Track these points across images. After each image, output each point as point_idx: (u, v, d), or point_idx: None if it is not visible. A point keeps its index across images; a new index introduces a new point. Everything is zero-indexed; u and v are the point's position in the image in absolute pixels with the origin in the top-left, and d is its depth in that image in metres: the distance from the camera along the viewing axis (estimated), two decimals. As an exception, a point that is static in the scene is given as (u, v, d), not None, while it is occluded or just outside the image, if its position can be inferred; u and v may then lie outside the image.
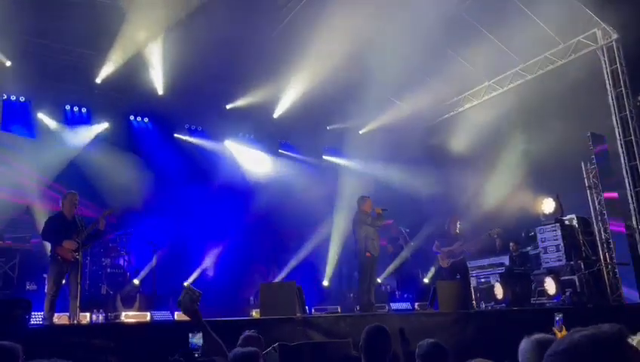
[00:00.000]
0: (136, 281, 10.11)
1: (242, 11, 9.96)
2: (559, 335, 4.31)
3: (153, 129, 12.39)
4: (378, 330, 3.55)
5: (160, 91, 11.48)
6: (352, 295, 11.55)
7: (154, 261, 10.12)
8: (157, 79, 11.32)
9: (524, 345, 2.56)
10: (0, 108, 10.41)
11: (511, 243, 11.02)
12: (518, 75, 12.38)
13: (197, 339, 3.53)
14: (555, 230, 9.85)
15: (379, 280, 11.16)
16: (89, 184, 10.16)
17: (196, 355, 3.52)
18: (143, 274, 10.37)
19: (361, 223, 8.61)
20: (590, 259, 9.69)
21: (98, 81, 10.89)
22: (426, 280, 11.87)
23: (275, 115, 13.11)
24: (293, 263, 12.42)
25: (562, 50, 11.47)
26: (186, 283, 10.01)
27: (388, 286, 12.41)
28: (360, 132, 14.33)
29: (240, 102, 12.56)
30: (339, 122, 13.93)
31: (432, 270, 11.87)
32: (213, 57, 10.70)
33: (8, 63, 10.01)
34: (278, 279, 11.90)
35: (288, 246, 12.76)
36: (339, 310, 10.18)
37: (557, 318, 4.49)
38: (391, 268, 12.26)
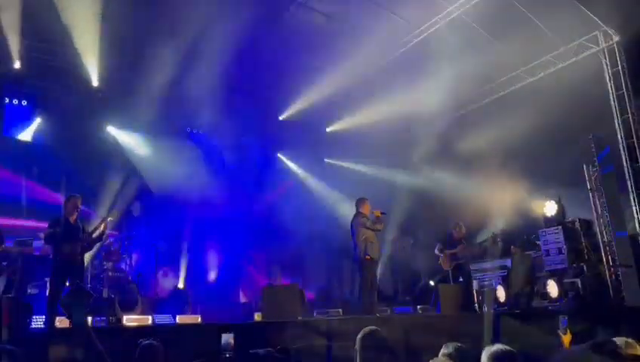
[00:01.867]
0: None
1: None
2: (564, 337, 4.30)
3: (153, 132, 12.36)
4: (372, 334, 3.54)
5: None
6: (353, 297, 11.51)
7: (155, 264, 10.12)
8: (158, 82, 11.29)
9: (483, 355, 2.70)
10: (2, 113, 10.42)
11: (512, 246, 10.98)
12: (520, 77, 12.37)
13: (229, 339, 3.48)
14: (558, 233, 9.84)
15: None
16: (90, 188, 10.15)
17: (227, 355, 3.49)
18: (138, 274, 10.35)
19: (361, 226, 8.55)
20: (592, 261, 9.66)
21: (95, 84, 10.85)
22: (432, 283, 11.81)
23: (281, 118, 13.11)
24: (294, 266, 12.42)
25: (564, 52, 11.45)
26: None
27: (390, 289, 12.38)
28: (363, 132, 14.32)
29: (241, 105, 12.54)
30: (343, 122, 13.91)
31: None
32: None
33: (17, 65, 10.00)
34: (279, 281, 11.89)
35: (290, 248, 12.72)
36: (340, 312, 10.14)
37: (562, 320, 4.49)
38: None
